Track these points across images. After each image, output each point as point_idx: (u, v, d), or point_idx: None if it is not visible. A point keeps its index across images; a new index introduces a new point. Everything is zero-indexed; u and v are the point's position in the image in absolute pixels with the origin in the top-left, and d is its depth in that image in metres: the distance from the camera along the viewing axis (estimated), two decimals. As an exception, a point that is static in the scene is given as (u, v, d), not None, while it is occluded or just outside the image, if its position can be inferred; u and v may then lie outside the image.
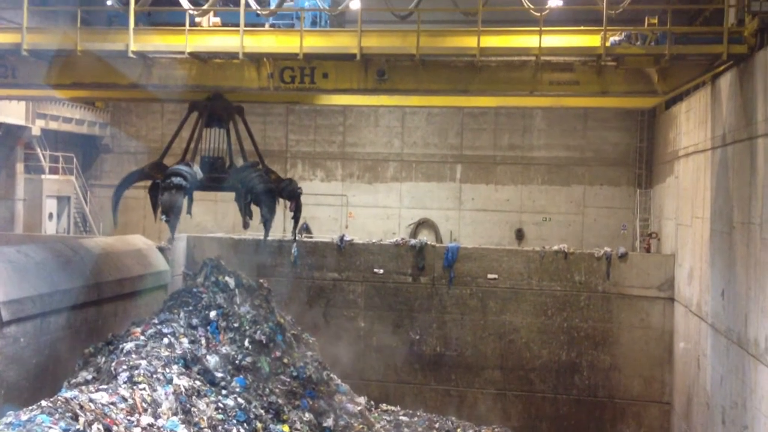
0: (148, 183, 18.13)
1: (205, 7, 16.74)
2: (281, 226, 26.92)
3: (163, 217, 16.79)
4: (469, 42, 15.74)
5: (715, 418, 16.04)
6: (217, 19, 18.32)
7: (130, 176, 18.44)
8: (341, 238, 23.23)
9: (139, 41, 16.29)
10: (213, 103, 17.78)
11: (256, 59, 16.55)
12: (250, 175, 17.32)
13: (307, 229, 27.34)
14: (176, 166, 16.91)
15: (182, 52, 16.26)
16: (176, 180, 16.50)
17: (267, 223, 17.49)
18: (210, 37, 16.78)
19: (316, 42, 16.32)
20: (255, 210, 17.58)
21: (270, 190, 17.40)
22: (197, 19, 17.26)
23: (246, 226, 17.66)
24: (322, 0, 19.33)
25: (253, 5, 16.93)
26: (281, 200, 18.16)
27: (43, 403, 12.35)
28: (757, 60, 13.63)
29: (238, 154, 18.13)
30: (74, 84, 17.75)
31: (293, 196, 18.01)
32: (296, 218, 18.35)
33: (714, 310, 16.26)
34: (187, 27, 16.31)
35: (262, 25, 17.59)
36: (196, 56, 16.56)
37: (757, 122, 13.40)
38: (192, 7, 16.75)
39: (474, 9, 15.90)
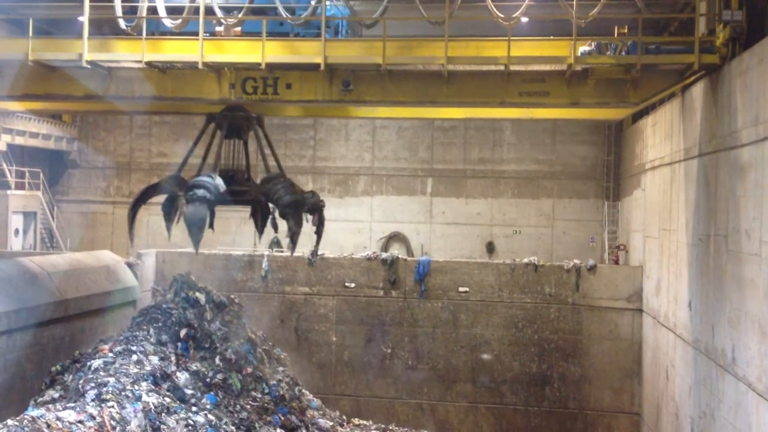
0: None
1: (184, 15, 16.33)
2: (251, 241, 26.82)
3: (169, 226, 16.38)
4: (436, 51, 15.53)
5: (684, 429, 16.20)
6: (238, 29, 17.14)
7: (147, 191, 17.78)
8: (312, 253, 23.16)
9: (93, 50, 15.81)
10: (232, 113, 17.19)
11: (216, 69, 16.12)
12: (275, 187, 16.83)
13: (277, 244, 27.23)
14: (199, 178, 16.35)
15: (139, 62, 15.78)
16: (200, 192, 15.96)
17: (294, 236, 16.81)
18: (170, 46, 16.23)
19: (279, 51, 15.97)
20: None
21: (297, 202, 16.81)
22: (217, 29, 16.61)
23: (260, 238, 17.26)
24: (343, 8, 18.45)
25: (218, 13, 16.44)
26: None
27: (9, 422, 12.15)
28: (726, 70, 13.66)
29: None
30: (25, 95, 17.29)
31: (316, 209, 17.53)
32: (319, 232, 17.77)
33: (682, 321, 16.46)
34: (144, 35, 15.81)
35: (287, 35, 16.89)
36: (153, 66, 16.05)
37: (723, 135, 13.63)
38: (169, 16, 16.30)
39: (441, 18, 15.58)
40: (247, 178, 17.45)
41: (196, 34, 15.86)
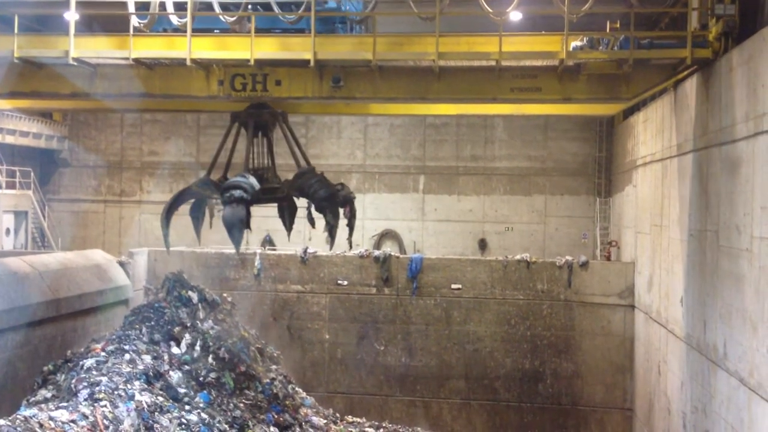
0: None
1: (189, 12, 16.13)
2: (244, 239, 26.71)
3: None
4: (427, 47, 15.40)
5: (677, 424, 16.26)
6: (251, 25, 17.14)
7: (180, 195, 17.63)
8: (305, 250, 23.13)
9: (80, 47, 15.55)
10: (258, 111, 17.05)
11: (205, 66, 15.94)
12: (309, 182, 16.79)
13: (270, 242, 27.20)
14: (234, 179, 16.30)
15: (126, 58, 15.56)
16: (237, 193, 15.91)
17: (333, 229, 16.84)
18: (158, 43, 16.00)
19: (268, 48, 15.78)
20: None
21: (333, 195, 16.78)
22: (233, 26, 16.46)
23: (289, 235, 17.34)
24: (357, 2, 18.39)
25: (217, 9, 16.28)
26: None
27: (2, 421, 12.10)
28: (719, 65, 13.62)
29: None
30: (12, 93, 17.10)
31: (347, 201, 17.48)
32: (351, 225, 17.71)
33: (674, 317, 16.51)
34: (132, 32, 15.58)
35: (302, 32, 16.77)
36: (141, 63, 15.86)
37: (715, 131, 13.67)
38: (175, 13, 16.05)
39: (432, 13, 15.44)
40: (274, 175, 17.40)
41: (205, 30, 15.76)
